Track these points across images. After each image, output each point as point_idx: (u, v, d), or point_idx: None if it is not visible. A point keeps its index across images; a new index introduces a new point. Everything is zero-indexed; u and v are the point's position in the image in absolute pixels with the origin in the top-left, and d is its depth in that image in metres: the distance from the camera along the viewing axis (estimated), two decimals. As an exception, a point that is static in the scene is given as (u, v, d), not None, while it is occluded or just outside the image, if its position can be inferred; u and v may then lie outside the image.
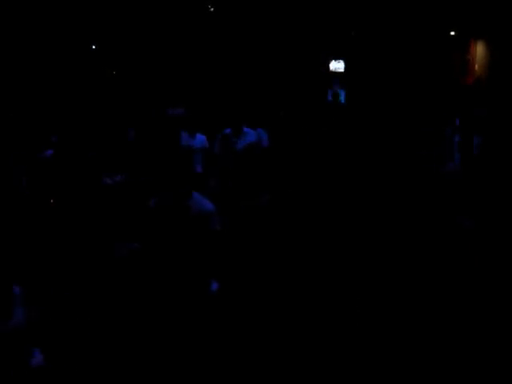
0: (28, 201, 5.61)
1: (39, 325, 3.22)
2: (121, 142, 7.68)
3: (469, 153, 8.23)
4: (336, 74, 15.01)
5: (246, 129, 7.05)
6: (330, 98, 14.03)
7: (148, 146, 7.41)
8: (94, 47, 14.52)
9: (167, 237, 3.90)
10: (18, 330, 3.03)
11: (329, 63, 15.08)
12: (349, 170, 9.30)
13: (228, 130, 6.92)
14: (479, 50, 13.52)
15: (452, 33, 13.73)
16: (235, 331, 4.46)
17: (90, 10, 13.27)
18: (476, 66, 13.65)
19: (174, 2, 13.89)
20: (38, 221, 5.16)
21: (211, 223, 4.00)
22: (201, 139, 7.78)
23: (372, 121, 11.64)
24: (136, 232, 4.60)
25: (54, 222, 5.18)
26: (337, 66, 15.17)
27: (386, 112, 12.22)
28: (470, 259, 6.06)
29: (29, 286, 3.26)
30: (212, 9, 14.59)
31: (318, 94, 13.93)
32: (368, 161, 9.73)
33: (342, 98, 14.15)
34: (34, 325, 3.13)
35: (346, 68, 14.94)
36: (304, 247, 6.37)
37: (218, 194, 6.44)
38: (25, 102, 10.67)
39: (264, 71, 14.26)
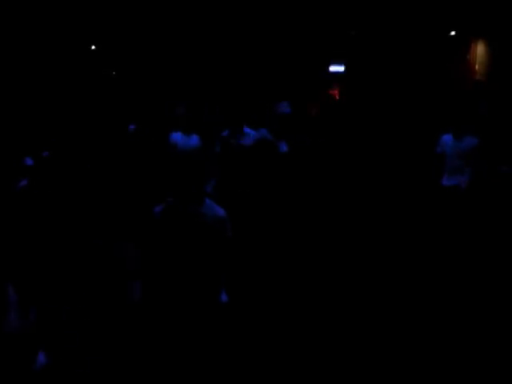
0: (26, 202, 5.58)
1: (40, 328, 3.18)
2: (122, 144, 7.66)
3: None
4: (336, 75, 15.00)
5: (246, 129, 7.04)
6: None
7: (154, 148, 7.31)
8: (93, 47, 14.51)
9: (177, 247, 3.67)
10: (13, 334, 2.98)
11: (329, 64, 15.06)
12: (348, 170, 9.30)
13: (227, 131, 6.91)
14: (479, 49, 13.51)
15: (452, 33, 13.73)
16: (244, 342, 4.44)
17: (89, 9, 13.26)
18: (476, 66, 13.64)
19: (174, 2, 13.88)
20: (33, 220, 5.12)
21: (224, 230, 3.80)
22: (195, 139, 7.80)
23: (371, 121, 11.64)
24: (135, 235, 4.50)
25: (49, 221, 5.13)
26: (337, 67, 15.15)
27: (386, 112, 12.22)
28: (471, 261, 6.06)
29: (24, 289, 3.20)
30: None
31: (318, 94, 13.91)
32: (367, 161, 9.73)
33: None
34: (34, 328, 3.10)
35: (346, 69, 14.93)
36: (309, 253, 6.34)
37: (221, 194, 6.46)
38: (24, 103, 10.66)
39: (264, 71, 14.25)
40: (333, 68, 14.97)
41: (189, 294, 3.66)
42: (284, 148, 7.97)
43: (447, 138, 7.20)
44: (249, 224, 6.43)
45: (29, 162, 6.63)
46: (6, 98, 10.60)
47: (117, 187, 6.40)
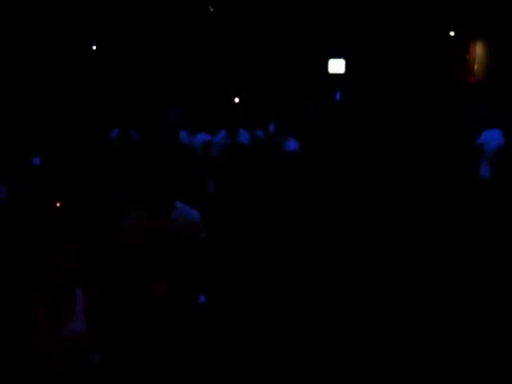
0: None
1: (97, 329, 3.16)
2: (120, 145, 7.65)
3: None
4: (335, 75, 14.99)
5: (241, 130, 7.09)
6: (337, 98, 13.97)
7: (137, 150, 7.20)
8: (94, 48, 14.54)
9: (150, 259, 3.54)
10: (79, 335, 2.99)
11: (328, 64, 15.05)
12: (348, 170, 9.31)
13: (222, 132, 6.95)
14: (479, 50, 13.54)
15: (451, 33, 13.75)
16: (229, 344, 4.43)
17: (90, 10, 13.28)
18: (475, 67, 13.67)
19: (175, 2, 13.90)
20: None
21: (197, 233, 3.66)
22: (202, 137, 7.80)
23: (370, 121, 11.65)
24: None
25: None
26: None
27: (385, 112, 12.23)
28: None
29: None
30: (212, 9, 14.60)
31: (318, 95, 13.94)
32: (367, 161, 9.74)
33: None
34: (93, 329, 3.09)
35: (346, 69, 14.92)
36: (305, 253, 6.33)
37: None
38: (23, 104, 10.68)
39: (264, 71, 14.27)
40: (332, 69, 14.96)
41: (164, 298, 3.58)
42: (291, 146, 8.01)
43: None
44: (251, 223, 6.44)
45: (35, 161, 6.65)
46: (7, 97, 10.62)
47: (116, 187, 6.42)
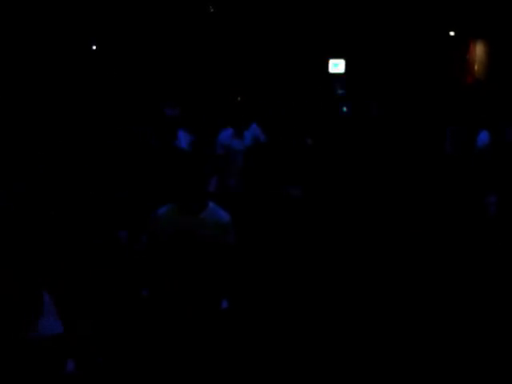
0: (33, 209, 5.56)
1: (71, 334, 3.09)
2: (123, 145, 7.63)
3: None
4: (335, 75, 14.98)
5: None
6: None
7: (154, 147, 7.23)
8: (94, 48, 14.54)
9: (174, 252, 3.51)
10: (48, 340, 2.91)
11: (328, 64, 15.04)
12: (351, 169, 9.32)
13: (229, 131, 6.94)
14: (478, 49, 13.54)
15: (451, 33, 13.76)
16: (246, 347, 4.43)
17: (90, 10, 13.29)
18: (476, 66, 13.67)
19: (175, 2, 13.91)
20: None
21: (227, 236, 3.60)
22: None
23: (370, 121, 11.66)
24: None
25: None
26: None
27: (385, 113, 12.25)
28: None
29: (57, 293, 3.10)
30: (212, 9, 14.60)
31: (319, 96, 13.93)
32: (369, 160, 9.76)
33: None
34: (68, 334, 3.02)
35: (346, 69, 14.91)
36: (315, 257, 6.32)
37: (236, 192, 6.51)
38: (23, 104, 10.68)
39: (264, 71, 14.27)
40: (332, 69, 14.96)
41: (187, 299, 3.55)
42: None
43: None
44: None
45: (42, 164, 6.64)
46: (7, 98, 10.62)
47: (118, 187, 6.42)
